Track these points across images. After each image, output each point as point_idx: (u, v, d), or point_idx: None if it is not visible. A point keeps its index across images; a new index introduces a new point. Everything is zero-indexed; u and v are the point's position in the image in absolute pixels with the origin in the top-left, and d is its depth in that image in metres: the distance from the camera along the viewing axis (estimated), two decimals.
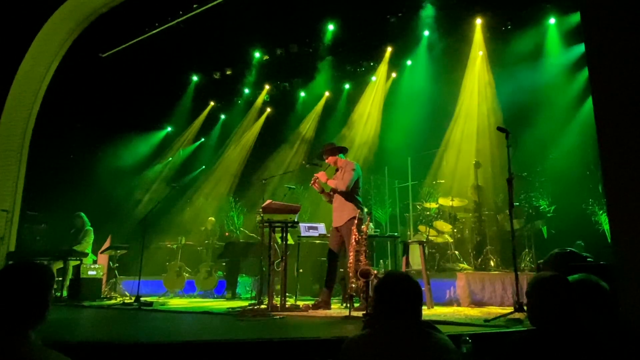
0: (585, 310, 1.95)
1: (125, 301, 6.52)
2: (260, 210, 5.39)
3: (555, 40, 8.63)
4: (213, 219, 9.58)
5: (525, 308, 4.07)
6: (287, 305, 5.26)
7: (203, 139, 12.51)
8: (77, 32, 7.58)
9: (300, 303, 5.63)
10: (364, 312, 4.36)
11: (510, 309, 4.22)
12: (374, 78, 10.58)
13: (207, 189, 11.72)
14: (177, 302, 6.96)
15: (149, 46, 9.14)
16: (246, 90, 11.62)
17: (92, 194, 9.35)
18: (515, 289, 4.31)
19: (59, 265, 7.32)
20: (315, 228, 7.39)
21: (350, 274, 4.93)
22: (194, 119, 12.10)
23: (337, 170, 5.65)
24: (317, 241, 7.58)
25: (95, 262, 7.86)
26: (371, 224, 6.40)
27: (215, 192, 11.60)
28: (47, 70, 7.56)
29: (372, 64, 10.36)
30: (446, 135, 9.39)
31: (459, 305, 5.63)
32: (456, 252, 6.95)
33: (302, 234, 7.25)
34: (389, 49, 9.95)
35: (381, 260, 8.06)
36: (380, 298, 1.97)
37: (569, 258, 4.43)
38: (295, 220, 5.38)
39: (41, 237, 8.95)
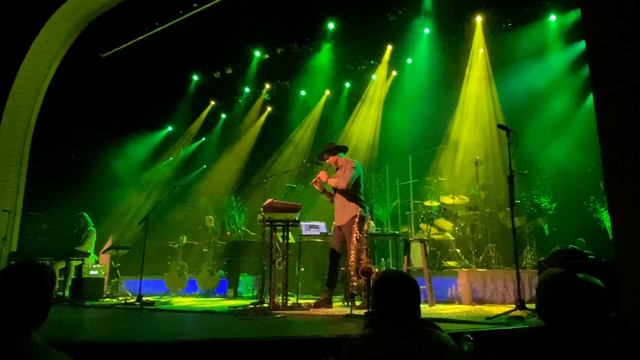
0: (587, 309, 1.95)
1: (127, 301, 6.54)
2: (262, 209, 5.39)
3: (555, 37, 8.61)
4: (211, 217, 9.59)
5: (526, 306, 4.08)
6: (288, 304, 5.27)
7: (204, 139, 12.52)
8: (78, 32, 7.59)
9: (302, 302, 5.64)
10: (366, 310, 4.36)
11: (511, 307, 4.21)
12: (374, 76, 10.57)
13: (208, 188, 11.73)
14: (179, 302, 6.97)
15: (149, 46, 9.14)
16: (247, 90, 11.61)
17: (93, 193, 9.36)
18: (516, 287, 4.30)
19: (61, 265, 7.33)
20: (317, 227, 7.40)
21: (352, 273, 4.93)
22: (194, 118, 12.10)
23: (337, 169, 5.65)
24: (319, 240, 7.58)
25: (97, 262, 7.87)
26: (372, 222, 6.41)
27: (216, 191, 11.61)
28: (47, 71, 7.57)
29: (372, 62, 10.34)
30: (447, 133, 9.38)
31: (460, 303, 5.63)
32: (457, 250, 6.94)
33: (304, 233, 7.25)
34: (389, 48, 9.93)
35: (382, 259, 8.07)
36: (378, 297, 1.97)
37: (571, 255, 4.43)
38: (297, 219, 5.39)
39: (43, 237, 8.96)
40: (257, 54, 10.47)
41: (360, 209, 5.28)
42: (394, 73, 10.45)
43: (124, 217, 10.17)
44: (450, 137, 9.32)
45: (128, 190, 10.92)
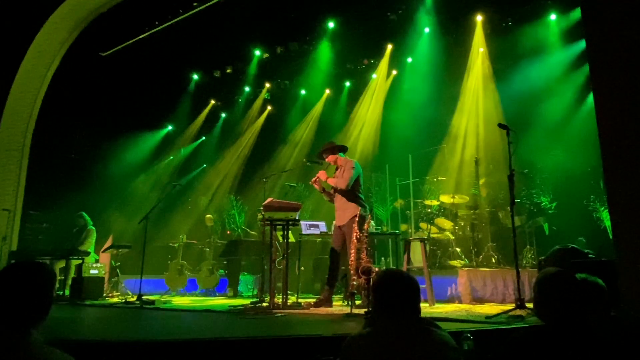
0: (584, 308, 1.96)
1: (128, 300, 6.54)
2: (262, 208, 5.39)
3: (556, 36, 8.61)
4: (210, 216, 9.61)
5: (526, 305, 4.08)
6: (288, 303, 5.28)
7: (204, 138, 12.52)
8: (78, 31, 7.58)
9: (302, 301, 5.64)
10: (366, 309, 4.36)
11: (511, 306, 4.21)
12: (374, 75, 10.56)
13: (208, 187, 11.73)
14: (179, 301, 6.97)
15: (149, 45, 9.13)
16: (247, 89, 11.61)
17: (93, 192, 9.36)
18: (516, 286, 4.30)
19: (61, 264, 7.33)
20: (317, 226, 7.40)
21: (352, 272, 4.93)
22: (194, 117, 12.10)
23: (337, 168, 5.65)
24: (318, 239, 7.58)
25: (97, 261, 7.87)
26: (372, 222, 6.41)
27: (216, 190, 11.61)
28: (47, 70, 7.56)
29: (372, 61, 10.34)
30: (447, 132, 9.38)
31: (460, 302, 5.63)
32: (457, 249, 6.95)
33: (304, 232, 7.25)
34: (390, 47, 9.93)
35: (382, 258, 8.06)
36: (378, 296, 1.97)
37: (571, 254, 4.44)
38: (297, 218, 5.39)
39: (43, 236, 8.96)
40: (257, 53, 10.47)
41: (360, 208, 5.28)
42: (394, 72, 10.44)
43: (123, 216, 10.17)
44: (451, 136, 9.32)
45: (128, 189, 10.92)
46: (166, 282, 8.52)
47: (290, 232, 5.78)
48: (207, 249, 8.91)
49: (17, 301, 1.59)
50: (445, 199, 7.44)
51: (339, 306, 5.30)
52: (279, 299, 5.27)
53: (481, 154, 8.17)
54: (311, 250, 7.88)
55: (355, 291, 4.83)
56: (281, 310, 4.89)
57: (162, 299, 6.95)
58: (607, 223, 6.92)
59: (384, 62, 10.16)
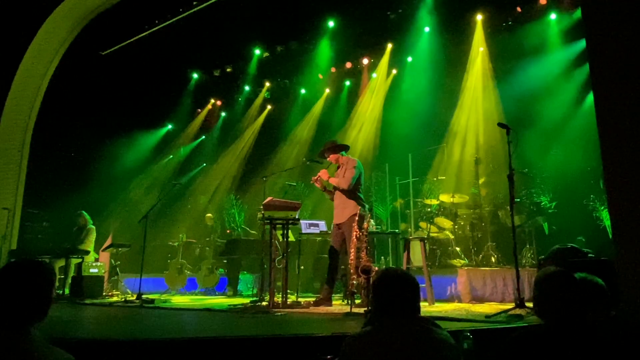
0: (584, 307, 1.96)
1: (127, 299, 6.54)
2: (262, 207, 5.39)
3: (556, 36, 8.61)
4: (210, 215, 9.62)
5: (526, 304, 4.08)
6: (288, 302, 5.28)
7: (204, 137, 12.52)
8: (77, 30, 7.59)
9: (302, 300, 5.65)
10: (365, 308, 4.36)
11: (511, 305, 4.22)
12: (374, 74, 10.56)
13: (208, 186, 11.73)
14: (178, 300, 6.98)
15: (149, 44, 9.13)
16: (247, 88, 11.61)
17: (93, 191, 9.36)
18: (516, 285, 4.30)
19: (61, 263, 7.33)
20: (317, 225, 7.40)
21: (352, 271, 4.93)
22: (194, 116, 12.10)
23: (338, 167, 5.65)
24: (318, 238, 7.58)
25: (97, 259, 7.87)
26: (372, 221, 6.41)
27: (216, 189, 11.61)
28: (47, 69, 7.57)
29: (372, 60, 10.34)
30: (447, 131, 9.38)
31: (460, 301, 5.63)
32: (457, 249, 6.95)
33: (303, 231, 7.25)
34: (390, 46, 9.93)
35: (382, 257, 8.07)
36: (378, 295, 1.97)
37: (570, 254, 4.43)
38: (296, 217, 5.40)
39: (43, 235, 8.96)
40: (257, 52, 10.46)
41: (359, 207, 5.28)
42: (394, 71, 10.44)
43: (123, 215, 10.17)
44: (451, 135, 9.31)
45: (127, 188, 10.92)
46: (166, 281, 8.52)
47: (290, 231, 5.78)
48: (207, 248, 8.92)
49: (16, 300, 1.60)
50: (445, 198, 7.45)
51: (338, 305, 5.31)
52: (278, 298, 5.27)
53: (481, 154, 8.17)
54: (311, 249, 7.89)
55: (355, 290, 4.83)
56: (281, 309, 4.90)
57: (162, 298, 6.95)
58: (607, 223, 6.92)
59: (384, 61, 10.16)
